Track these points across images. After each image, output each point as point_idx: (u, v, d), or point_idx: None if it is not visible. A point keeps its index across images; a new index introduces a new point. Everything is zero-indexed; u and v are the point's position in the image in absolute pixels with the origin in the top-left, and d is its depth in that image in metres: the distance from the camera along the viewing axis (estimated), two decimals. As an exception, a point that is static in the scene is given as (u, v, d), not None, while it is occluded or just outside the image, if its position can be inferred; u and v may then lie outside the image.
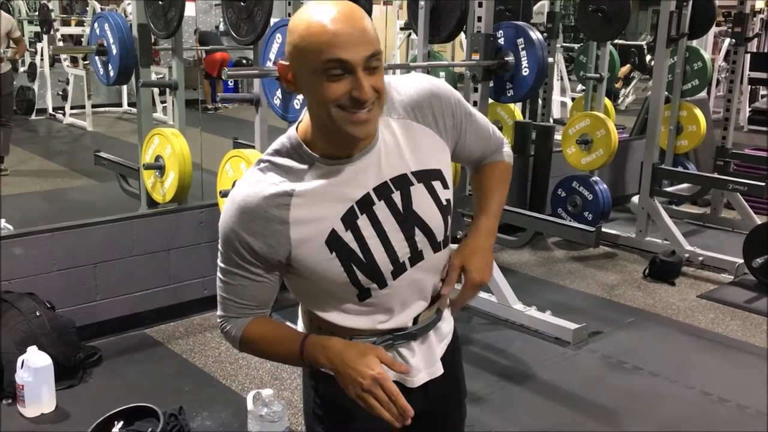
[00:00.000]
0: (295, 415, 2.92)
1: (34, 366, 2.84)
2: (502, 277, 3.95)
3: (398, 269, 1.28)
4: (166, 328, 3.72)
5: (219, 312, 1.36)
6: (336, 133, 1.17)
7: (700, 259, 4.80)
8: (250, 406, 2.74)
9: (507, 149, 1.52)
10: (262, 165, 1.25)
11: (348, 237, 1.22)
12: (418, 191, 1.27)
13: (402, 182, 1.26)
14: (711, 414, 3.07)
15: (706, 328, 3.91)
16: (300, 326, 1.44)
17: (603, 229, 4.78)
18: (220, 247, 1.29)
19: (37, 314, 3.08)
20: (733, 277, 4.63)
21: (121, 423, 2.61)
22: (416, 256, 1.29)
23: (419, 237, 1.28)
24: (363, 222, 1.23)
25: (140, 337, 3.62)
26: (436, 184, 1.30)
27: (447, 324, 1.46)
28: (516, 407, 3.04)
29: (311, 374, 1.43)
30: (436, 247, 1.31)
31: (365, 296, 1.29)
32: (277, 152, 1.25)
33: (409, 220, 1.26)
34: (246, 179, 1.25)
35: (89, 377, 3.19)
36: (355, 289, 1.27)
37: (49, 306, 3.19)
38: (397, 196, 1.25)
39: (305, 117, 1.24)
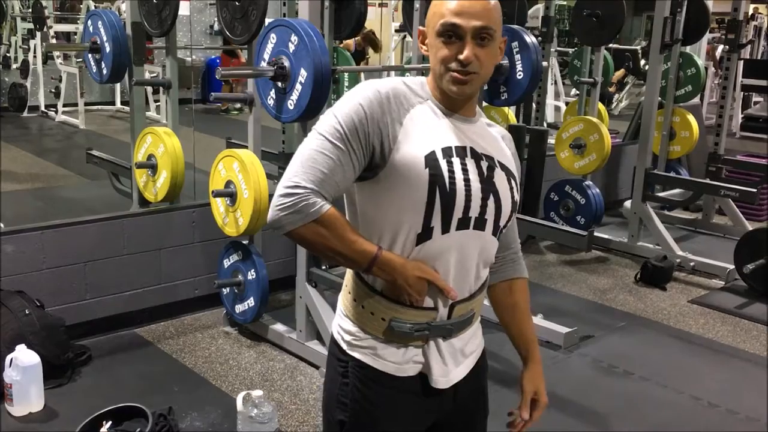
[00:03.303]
0: (284, 417, 2.91)
1: (23, 364, 2.82)
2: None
3: (464, 221, 1.35)
4: (156, 328, 3.70)
5: (303, 182, 1.29)
6: (442, 88, 1.37)
7: (692, 264, 4.81)
8: (239, 407, 2.73)
9: (523, 261, 1.63)
10: (397, 78, 1.40)
11: (442, 164, 1.33)
12: (499, 175, 1.41)
13: (490, 160, 1.40)
14: (700, 419, 3.08)
15: (696, 333, 3.92)
16: (338, 325, 1.47)
17: (595, 234, 4.77)
18: (330, 118, 1.33)
19: (27, 312, 3.06)
20: (724, 283, 4.65)
21: (110, 423, 2.60)
22: (480, 222, 1.38)
23: (490, 207, 1.38)
24: (456, 163, 1.35)
25: (130, 336, 3.60)
26: (512, 183, 1.44)
27: (478, 340, 1.53)
28: (506, 411, 3.03)
29: (344, 364, 1.43)
30: (496, 228, 1.41)
31: (426, 236, 1.34)
32: (409, 80, 1.41)
33: (489, 187, 1.38)
34: (383, 80, 1.38)
35: (78, 376, 3.17)
36: (423, 220, 1.33)
37: (38, 304, 3.17)
38: (484, 164, 1.39)
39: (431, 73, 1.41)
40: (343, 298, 1.47)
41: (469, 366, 1.48)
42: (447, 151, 1.34)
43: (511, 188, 1.43)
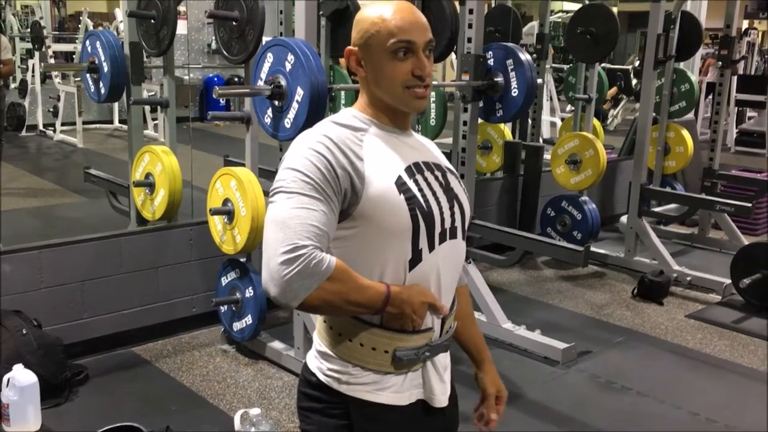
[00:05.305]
0: (283, 435, 2.91)
1: (20, 384, 2.81)
2: (492, 296, 3.96)
3: (442, 234, 1.37)
4: (154, 347, 3.69)
5: (301, 241, 1.21)
6: (395, 108, 1.37)
7: (688, 279, 4.82)
8: (237, 425, 2.73)
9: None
10: (327, 121, 1.37)
11: (411, 186, 1.34)
12: (453, 180, 1.45)
13: (439, 168, 1.44)
14: (699, 434, 3.08)
15: (694, 348, 3.93)
16: (324, 367, 1.39)
17: (592, 249, 4.80)
18: (292, 174, 1.27)
19: (24, 332, 3.06)
20: (720, 297, 4.65)
21: (107, 442, 2.59)
22: (453, 231, 1.40)
23: (457, 213, 1.42)
24: (420, 180, 1.37)
25: (128, 355, 3.60)
26: (462, 184, 1.48)
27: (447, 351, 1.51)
28: (504, 427, 3.00)
29: (340, 405, 1.37)
30: (464, 232, 1.44)
31: (417, 260, 1.34)
32: (337, 117, 1.39)
33: (450, 193, 1.42)
34: (315, 127, 1.36)
35: (76, 396, 3.16)
36: (411, 245, 1.33)
37: (36, 324, 3.17)
38: (438, 174, 1.42)
39: (360, 99, 1.41)
40: (326, 337, 1.40)
41: (449, 379, 1.49)
42: (409, 171, 1.35)
43: (464, 189, 1.47)
